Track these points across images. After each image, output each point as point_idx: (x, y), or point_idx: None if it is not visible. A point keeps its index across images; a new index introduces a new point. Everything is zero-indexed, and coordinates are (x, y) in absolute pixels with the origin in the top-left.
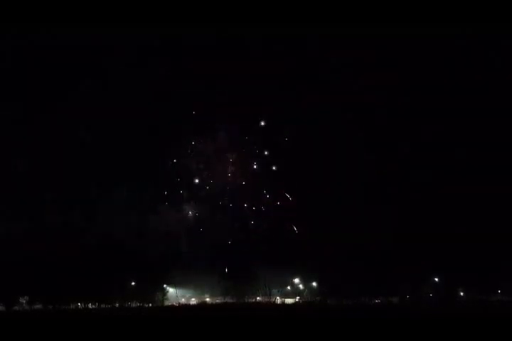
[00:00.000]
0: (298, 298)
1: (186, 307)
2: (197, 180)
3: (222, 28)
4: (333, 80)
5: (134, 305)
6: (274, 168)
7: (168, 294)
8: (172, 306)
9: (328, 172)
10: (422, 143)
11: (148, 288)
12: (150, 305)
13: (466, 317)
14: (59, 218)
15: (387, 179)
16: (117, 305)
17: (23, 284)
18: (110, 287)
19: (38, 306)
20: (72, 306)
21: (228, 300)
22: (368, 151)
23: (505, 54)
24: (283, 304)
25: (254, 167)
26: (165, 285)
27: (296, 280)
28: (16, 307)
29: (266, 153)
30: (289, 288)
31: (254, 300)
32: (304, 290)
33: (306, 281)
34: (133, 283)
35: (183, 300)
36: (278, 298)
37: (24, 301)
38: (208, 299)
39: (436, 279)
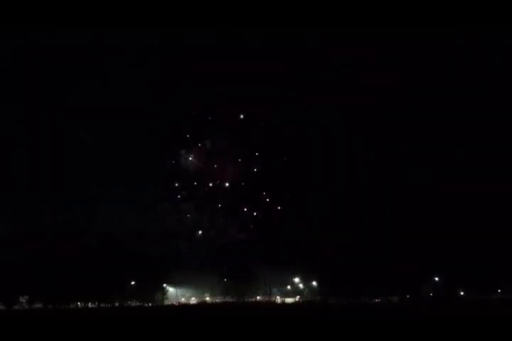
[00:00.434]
0: (298, 297)
1: (186, 306)
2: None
3: (222, 28)
4: (333, 80)
5: (134, 304)
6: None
7: (168, 293)
8: (172, 305)
9: (328, 172)
10: (422, 143)
11: (148, 288)
12: (150, 304)
13: (466, 317)
14: (59, 218)
15: (387, 179)
16: (117, 304)
17: (23, 284)
18: (110, 287)
19: (38, 305)
20: (72, 306)
21: (228, 299)
22: (367, 151)
23: (505, 54)
24: (283, 303)
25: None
26: (165, 285)
27: (296, 280)
28: (16, 307)
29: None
30: (289, 287)
31: (254, 299)
32: (304, 290)
33: (306, 281)
34: (133, 283)
35: (183, 299)
36: (278, 297)
37: (24, 300)
38: (207, 298)
39: (437, 279)
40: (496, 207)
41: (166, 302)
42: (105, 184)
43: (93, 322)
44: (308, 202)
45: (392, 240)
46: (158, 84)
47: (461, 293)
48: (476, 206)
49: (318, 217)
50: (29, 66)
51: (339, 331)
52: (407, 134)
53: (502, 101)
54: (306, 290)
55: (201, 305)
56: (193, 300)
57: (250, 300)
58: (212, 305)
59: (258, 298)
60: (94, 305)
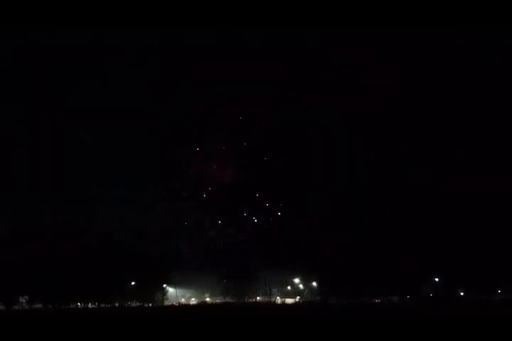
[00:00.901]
0: (298, 297)
1: (186, 307)
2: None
3: (222, 28)
4: (333, 80)
5: (134, 305)
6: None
7: (168, 294)
8: (172, 306)
9: (328, 172)
10: (422, 143)
11: (148, 288)
12: (150, 305)
13: (466, 317)
14: (59, 218)
15: (387, 179)
16: (117, 304)
17: (23, 284)
18: (110, 287)
19: (38, 306)
20: (72, 306)
21: (228, 300)
22: (367, 151)
23: (505, 54)
24: (283, 304)
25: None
26: (165, 285)
27: (296, 280)
28: (16, 307)
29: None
30: (289, 287)
31: (254, 300)
32: (304, 290)
33: (306, 281)
34: (133, 283)
35: (183, 300)
36: (278, 297)
37: (24, 301)
38: (208, 299)
39: (437, 279)
40: (496, 207)
41: (166, 303)
42: (105, 184)
43: (93, 322)
44: (308, 202)
45: (392, 240)
46: (158, 84)
47: (461, 294)
48: (476, 206)
49: (318, 217)
50: (29, 66)
51: (339, 331)
52: (407, 134)
53: (502, 101)
54: (306, 290)
55: (201, 306)
56: (193, 301)
57: (250, 300)
58: (212, 305)
59: (258, 298)
60: (94, 306)
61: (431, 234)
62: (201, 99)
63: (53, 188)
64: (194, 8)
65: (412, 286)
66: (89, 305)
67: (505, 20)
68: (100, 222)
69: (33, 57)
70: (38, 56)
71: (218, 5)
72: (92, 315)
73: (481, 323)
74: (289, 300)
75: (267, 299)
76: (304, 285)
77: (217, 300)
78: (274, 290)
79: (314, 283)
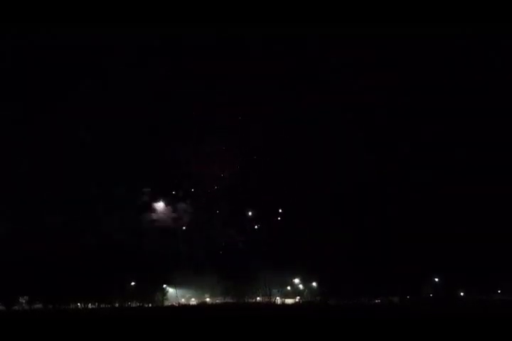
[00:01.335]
0: (298, 298)
1: (186, 307)
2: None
3: (222, 28)
4: (333, 80)
5: (134, 305)
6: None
7: (168, 294)
8: (172, 306)
9: (328, 172)
10: (422, 143)
11: (148, 288)
12: (150, 305)
13: (466, 317)
14: (59, 218)
15: (387, 179)
16: (117, 305)
17: (23, 284)
18: (110, 287)
19: (38, 306)
20: (72, 306)
21: (228, 300)
22: (368, 151)
23: (505, 54)
24: (283, 304)
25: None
26: (165, 286)
27: (296, 281)
28: (16, 307)
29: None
30: (289, 288)
31: (254, 300)
32: (304, 290)
33: (306, 281)
34: (133, 283)
35: (183, 300)
36: (278, 298)
37: (24, 301)
38: (208, 299)
39: (437, 279)
40: (496, 207)
41: (166, 303)
42: (105, 184)
43: (93, 322)
44: (308, 202)
45: (392, 240)
46: (158, 84)
47: (461, 294)
48: (476, 206)
49: (318, 217)
50: (29, 66)
51: (339, 331)
52: (407, 134)
53: (502, 101)
54: (306, 290)
55: (201, 306)
56: (193, 301)
57: (250, 300)
58: (212, 305)
59: (258, 298)
60: (94, 306)
61: (431, 234)
62: (201, 99)
63: (53, 188)
64: (194, 8)
65: (412, 286)
66: (89, 305)
67: (505, 20)
68: (100, 222)
69: (32, 57)
70: (38, 56)
71: (218, 5)
72: (92, 315)
73: (481, 323)
74: (289, 301)
75: (266, 299)
76: (303, 285)
77: (217, 301)
78: (274, 291)
79: (314, 284)
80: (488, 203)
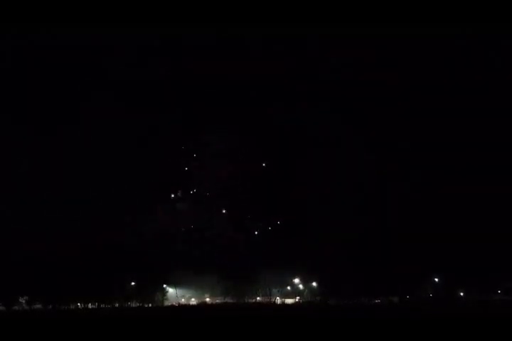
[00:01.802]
0: (298, 298)
1: (186, 307)
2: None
3: (222, 28)
4: (333, 80)
5: (134, 305)
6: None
7: (168, 294)
8: (172, 306)
9: (328, 172)
10: (422, 143)
11: (148, 288)
12: (150, 305)
13: (466, 317)
14: (59, 218)
15: (387, 179)
16: (117, 305)
17: (23, 284)
18: (110, 287)
19: (38, 306)
20: (72, 306)
21: (228, 300)
22: (367, 151)
23: (505, 54)
24: (283, 304)
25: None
26: (165, 286)
27: (296, 281)
28: (16, 307)
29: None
30: (289, 288)
31: (254, 300)
32: (304, 290)
33: (306, 281)
34: (133, 284)
35: (183, 300)
36: (278, 298)
37: (24, 301)
38: (208, 299)
39: (437, 279)
40: (496, 207)
41: (166, 303)
42: (105, 184)
43: (93, 322)
44: (307, 202)
45: (392, 240)
46: (158, 84)
47: (461, 294)
48: (476, 206)
49: (318, 217)
50: (28, 66)
51: (339, 331)
52: (407, 134)
53: (502, 101)
54: (306, 290)
55: (201, 306)
56: (193, 301)
57: (250, 300)
58: (212, 305)
59: (258, 298)
60: (94, 306)
61: (431, 234)
62: (201, 100)
63: (53, 188)
64: (194, 8)
65: (412, 286)
66: (89, 305)
67: (505, 20)
68: (100, 222)
69: (32, 57)
70: (38, 56)
71: (218, 5)
72: (92, 316)
73: (481, 323)
74: (289, 301)
75: (267, 299)
76: (303, 285)
77: (217, 301)
78: (274, 291)
79: (314, 284)
80: (488, 203)
